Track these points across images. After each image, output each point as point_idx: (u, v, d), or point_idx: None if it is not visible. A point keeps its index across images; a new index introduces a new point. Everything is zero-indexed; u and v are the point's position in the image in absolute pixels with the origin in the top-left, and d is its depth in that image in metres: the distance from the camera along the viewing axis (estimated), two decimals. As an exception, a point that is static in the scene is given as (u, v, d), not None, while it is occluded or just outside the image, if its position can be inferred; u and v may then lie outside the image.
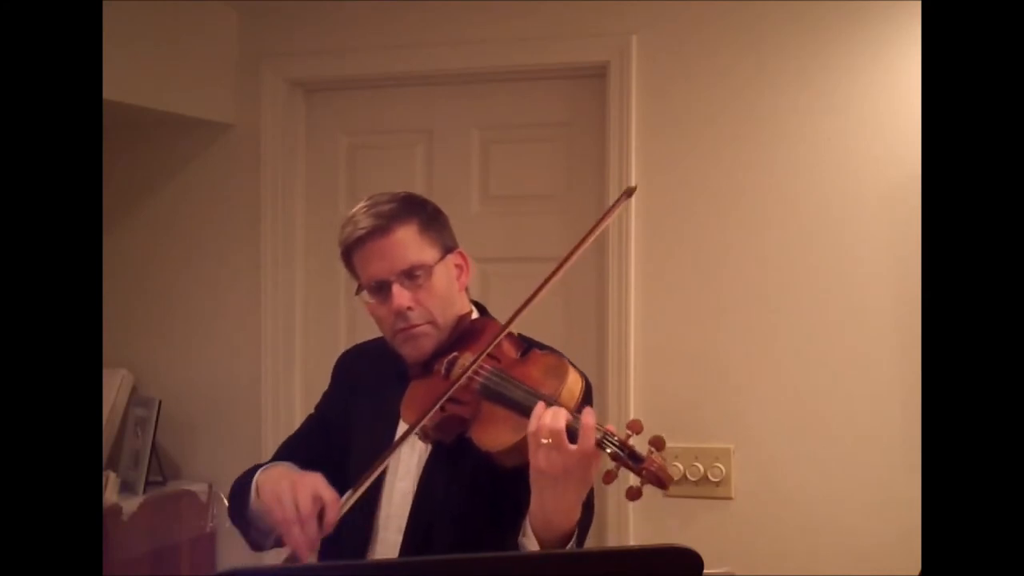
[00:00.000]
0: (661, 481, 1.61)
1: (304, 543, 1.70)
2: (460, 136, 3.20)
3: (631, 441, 1.63)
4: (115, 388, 3.22)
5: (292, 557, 1.73)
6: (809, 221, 2.85)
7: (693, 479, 2.89)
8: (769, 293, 2.87)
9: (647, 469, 1.60)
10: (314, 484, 1.75)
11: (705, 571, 1.28)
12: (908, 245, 2.74)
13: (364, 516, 1.86)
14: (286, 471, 1.84)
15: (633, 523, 2.93)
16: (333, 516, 1.73)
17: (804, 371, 2.84)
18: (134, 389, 3.30)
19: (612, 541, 2.90)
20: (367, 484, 1.75)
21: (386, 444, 1.85)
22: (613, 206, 1.87)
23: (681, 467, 2.89)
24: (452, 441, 1.79)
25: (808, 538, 2.82)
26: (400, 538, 1.84)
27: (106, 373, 3.17)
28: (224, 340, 3.30)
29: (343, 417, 1.99)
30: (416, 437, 1.80)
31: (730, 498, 2.88)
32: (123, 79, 2.81)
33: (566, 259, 1.80)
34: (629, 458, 1.61)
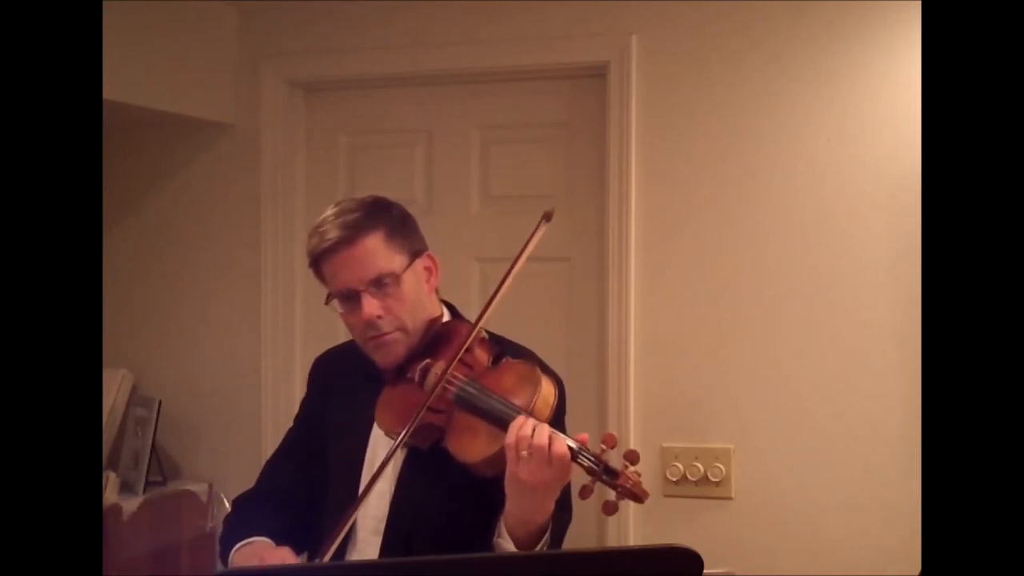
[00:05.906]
0: (637, 496, 1.64)
1: None
2: (460, 136, 3.20)
3: (605, 455, 1.66)
4: (115, 388, 3.22)
5: None
6: (809, 221, 2.84)
7: (693, 479, 2.89)
8: (769, 293, 2.87)
9: (622, 486, 1.64)
10: (284, 560, 1.77)
11: (705, 571, 1.28)
12: (908, 245, 2.74)
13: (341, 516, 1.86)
14: (258, 550, 1.83)
15: (633, 523, 2.93)
16: None
17: (804, 371, 2.84)
18: (134, 389, 3.30)
19: (612, 541, 2.90)
20: (344, 531, 1.76)
21: (361, 447, 1.88)
22: (533, 232, 1.85)
23: (681, 467, 2.90)
24: (427, 447, 1.80)
25: (808, 538, 2.82)
26: (378, 539, 1.84)
27: (106, 373, 3.16)
28: (224, 340, 3.30)
29: (321, 421, 1.99)
30: (389, 439, 1.81)
31: (730, 498, 2.88)
32: (123, 79, 2.81)
33: (511, 268, 1.83)
34: (604, 473, 1.64)
